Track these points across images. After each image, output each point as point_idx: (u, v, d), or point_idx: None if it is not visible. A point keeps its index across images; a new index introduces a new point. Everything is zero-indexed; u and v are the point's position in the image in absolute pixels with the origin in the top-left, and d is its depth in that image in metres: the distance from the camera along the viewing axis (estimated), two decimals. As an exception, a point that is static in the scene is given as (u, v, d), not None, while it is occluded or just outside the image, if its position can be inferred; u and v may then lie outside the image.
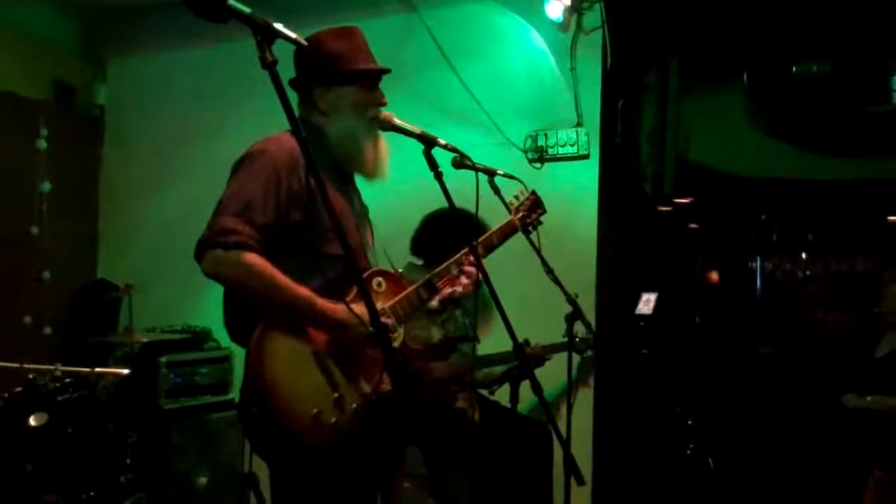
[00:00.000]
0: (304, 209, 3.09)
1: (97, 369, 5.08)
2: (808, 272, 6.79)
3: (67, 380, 5.04)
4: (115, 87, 7.39)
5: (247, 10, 2.11)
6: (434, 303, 3.46)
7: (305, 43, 2.13)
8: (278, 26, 2.11)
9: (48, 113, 6.86)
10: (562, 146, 5.71)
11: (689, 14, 5.64)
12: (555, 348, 4.89)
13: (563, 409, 4.70)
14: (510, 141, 5.82)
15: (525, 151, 5.81)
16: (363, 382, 3.14)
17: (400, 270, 3.41)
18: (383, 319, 3.07)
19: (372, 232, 3.48)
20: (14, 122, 6.62)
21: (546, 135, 5.75)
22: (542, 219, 3.97)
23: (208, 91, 6.49)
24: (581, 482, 3.26)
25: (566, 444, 3.47)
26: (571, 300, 4.35)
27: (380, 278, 3.26)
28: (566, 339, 4.63)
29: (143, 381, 5.54)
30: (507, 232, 3.67)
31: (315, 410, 2.98)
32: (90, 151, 7.32)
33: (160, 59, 7.03)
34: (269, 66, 2.11)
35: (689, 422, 5.56)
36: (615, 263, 5.65)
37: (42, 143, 6.73)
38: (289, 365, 3.00)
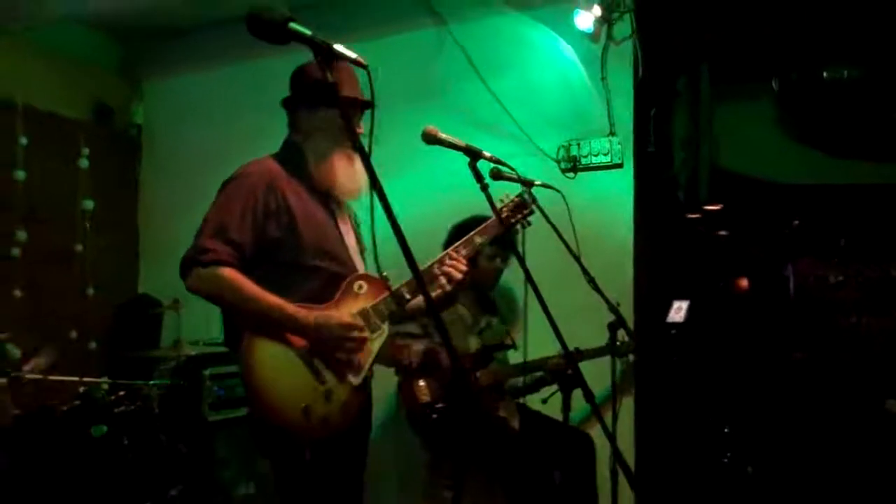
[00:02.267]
0: (281, 226, 3.37)
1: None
2: (840, 277, 6.77)
3: (121, 392, 5.15)
4: (152, 107, 7.49)
5: (307, 31, 2.19)
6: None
7: (365, 63, 2.20)
8: (338, 47, 2.18)
9: (88, 132, 6.99)
10: (595, 155, 5.74)
11: (718, 21, 5.67)
12: (595, 353, 4.92)
13: (607, 417, 4.74)
14: (542, 151, 5.86)
15: (558, 161, 5.84)
16: (351, 376, 3.36)
17: (385, 275, 3.52)
18: (353, 322, 3.33)
19: (361, 242, 3.69)
20: (56, 141, 6.74)
21: (579, 144, 5.78)
22: (575, 227, 4.03)
23: (243, 109, 6.57)
24: (635, 485, 3.31)
25: (615, 451, 3.52)
26: (613, 308, 4.37)
27: (361, 282, 3.47)
28: (607, 344, 4.68)
29: (189, 393, 5.62)
30: (490, 231, 3.70)
31: (303, 405, 3.25)
32: (129, 169, 7.44)
33: (196, 79, 7.12)
34: (330, 86, 2.18)
35: (726, 430, 5.56)
36: (651, 271, 5.68)
37: (84, 162, 6.85)
38: (275, 366, 3.28)
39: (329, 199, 3.55)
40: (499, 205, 3.72)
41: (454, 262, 3.55)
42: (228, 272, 3.28)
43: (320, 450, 3.31)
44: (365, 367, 3.39)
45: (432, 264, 3.53)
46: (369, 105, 3.43)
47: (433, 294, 3.51)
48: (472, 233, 3.70)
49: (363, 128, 3.52)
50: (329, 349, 3.31)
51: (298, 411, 3.25)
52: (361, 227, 3.80)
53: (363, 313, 3.41)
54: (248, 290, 3.27)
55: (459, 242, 3.65)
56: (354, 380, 3.35)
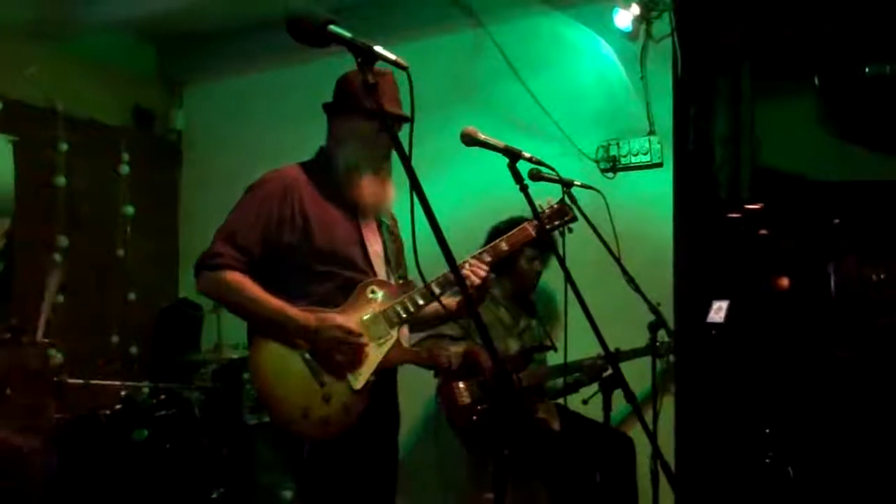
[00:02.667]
0: (296, 232, 3.43)
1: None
2: (882, 276, 6.69)
3: (163, 396, 5.19)
4: (192, 112, 7.55)
5: (347, 34, 2.18)
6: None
7: (406, 65, 2.19)
8: (379, 49, 2.17)
9: (129, 139, 7.06)
10: (634, 155, 5.72)
11: (759, 18, 5.62)
12: (635, 353, 4.89)
13: (647, 418, 4.70)
14: (581, 152, 5.84)
15: (597, 161, 5.82)
16: (352, 378, 3.39)
17: (401, 281, 3.62)
18: (349, 326, 3.36)
19: (387, 250, 3.68)
20: (97, 148, 6.82)
21: (618, 144, 5.76)
22: (615, 227, 4.01)
23: (283, 113, 6.60)
24: (676, 485, 3.29)
25: (656, 451, 3.49)
26: (654, 309, 4.35)
27: (374, 287, 3.50)
28: (647, 344, 4.65)
29: (229, 396, 5.66)
30: (518, 238, 3.69)
31: (303, 405, 3.33)
32: (169, 175, 7.51)
33: (235, 83, 7.18)
34: (371, 87, 2.18)
35: (767, 430, 5.52)
36: (691, 270, 5.64)
37: (124, 168, 6.92)
38: (279, 367, 3.37)
39: (356, 207, 3.57)
40: (538, 211, 3.69)
41: (474, 268, 3.54)
42: (233, 276, 3.38)
43: (323, 450, 3.39)
44: (366, 372, 3.41)
45: (448, 272, 3.50)
46: (408, 120, 3.46)
47: (448, 299, 3.56)
48: (499, 239, 3.69)
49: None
50: (327, 352, 3.36)
51: (298, 412, 3.34)
52: (398, 231, 3.83)
53: (372, 318, 3.44)
54: (251, 293, 3.37)
55: (484, 249, 3.64)
56: (355, 384, 3.39)
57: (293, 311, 3.35)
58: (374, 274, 3.54)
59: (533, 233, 3.67)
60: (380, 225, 3.68)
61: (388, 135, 3.41)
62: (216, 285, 3.42)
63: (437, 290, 3.45)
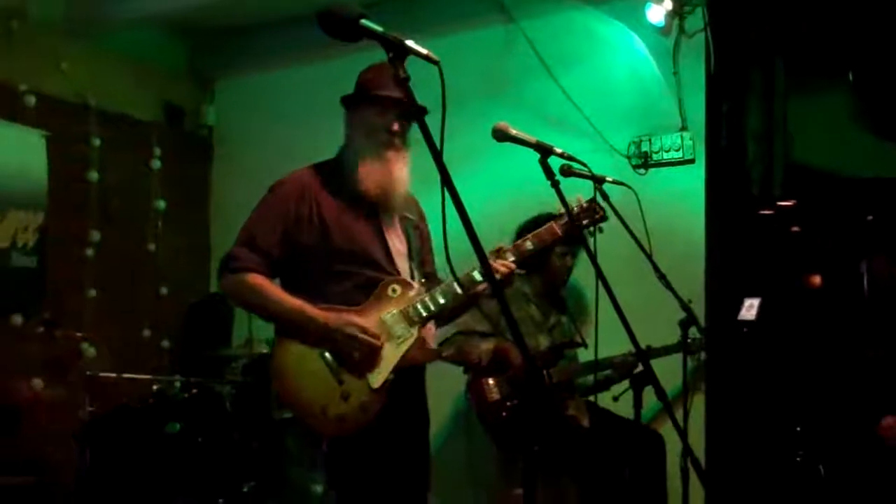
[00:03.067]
0: (313, 233, 3.46)
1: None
2: (916, 274, 6.63)
3: (194, 390, 5.22)
4: (223, 107, 7.57)
5: (379, 28, 2.18)
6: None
7: (437, 59, 2.19)
8: (410, 43, 2.16)
9: (160, 134, 7.09)
10: (666, 151, 5.70)
11: (792, 13, 5.58)
12: (666, 350, 4.86)
13: (678, 415, 4.68)
14: (613, 147, 5.82)
15: (629, 157, 5.80)
16: (371, 377, 3.40)
17: (423, 280, 3.60)
18: (365, 326, 3.36)
19: (411, 247, 3.67)
20: (129, 143, 6.84)
21: (650, 140, 5.74)
22: (646, 223, 3.99)
23: (314, 108, 6.56)
24: (707, 482, 3.27)
25: (687, 448, 3.47)
26: (685, 306, 4.32)
27: (395, 285, 3.49)
28: (678, 342, 4.63)
29: (260, 390, 5.67)
30: (544, 237, 3.63)
31: (322, 403, 3.36)
32: (200, 170, 7.54)
33: (266, 78, 7.18)
34: (402, 82, 2.17)
35: (798, 428, 5.49)
36: (723, 267, 5.61)
37: (156, 163, 6.96)
38: (299, 365, 3.42)
39: (375, 205, 3.56)
40: (563, 209, 3.62)
41: (496, 266, 3.50)
42: (253, 278, 3.44)
43: (343, 446, 3.41)
44: (385, 371, 3.41)
45: (474, 269, 3.45)
46: (408, 106, 3.36)
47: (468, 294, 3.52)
48: (525, 238, 3.65)
49: (398, 127, 3.51)
50: (343, 351, 3.38)
51: (316, 408, 3.37)
52: (425, 224, 3.82)
53: (392, 318, 3.44)
54: (271, 294, 3.44)
55: (508, 248, 3.61)
56: (374, 382, 3.40)
57: (312, 311, 3.37)
58: (397, 272, 3.54)
59: (560, 232, 3.62)
60: (403, 221, 3.68)
61: (402, 120, 3.49)
62: (237, 288, 3.49)
63: (458, 290, 3.43)
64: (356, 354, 3.37)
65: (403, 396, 3.49)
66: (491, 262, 3.43)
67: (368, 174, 3.50)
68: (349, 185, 3.52)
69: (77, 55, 6.46)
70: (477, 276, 3.43)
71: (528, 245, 3.61)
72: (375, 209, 3.56)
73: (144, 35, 7.04)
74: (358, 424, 3.38)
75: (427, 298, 3.45)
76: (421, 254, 3.73)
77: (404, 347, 3.43)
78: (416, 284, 3.53)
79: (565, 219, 3.60)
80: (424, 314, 3.45)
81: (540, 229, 3.66)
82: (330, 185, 3.53)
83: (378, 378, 3.39)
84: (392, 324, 3.42)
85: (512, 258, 3.57)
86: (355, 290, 3.46)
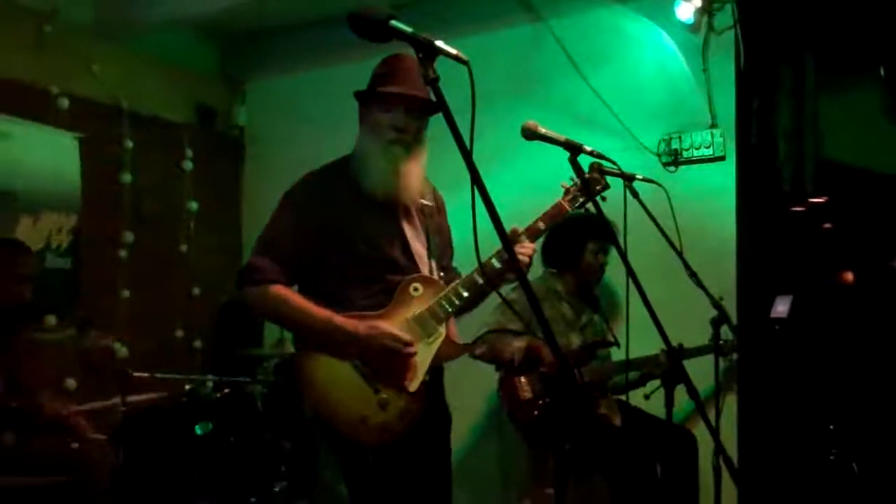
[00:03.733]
0: (332, 238, 3.38)
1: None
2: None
3: (226, 390, 5.25)
4: (254, 108, 7.61)
5: (408, 29, 2.19)
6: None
7: (466, 59, 2.19)
8: (440, 44, 2.17)
9: (192, 135, 7.14)
10: (696, 148, 5.68)
11: (822, 9, 5.55)
12: (699, 351, 4.85)
13: (710, 415, 4.66)
14: (643, 145, 5.81)
15: (658, 155, 5.79)
16: (407, 382, 3.35)
17: (442, 274, 3.57)
18: (398, 334, 3.30)
19: (430, 243, 3.62)
20: (161, 144, 6.90)
21: (680, 137, 5.73)
22: (677, 221, 3.98)
23: (345, 109, 6.57)
24: (739, 481, 3.26)
25: (719, 447, 3.46)
26: (716, 304, 4.31)
27: (417, 284, 3.44)
28: (710, 342, 4.61)
29: (291, 391, 5.71)
30: (554, 215, 3.62)
31: (361, 414, 3.28)
32: (232, 171, 7.60)
33: (297, 79, 7.20)
34: (432, 82, 2.17)
35: (831, 426, 5.46)
36: (754, 265, 5.59)
37: (188, 165, 7.01)
38: (330, 377, 3.33)
39: (393, 204, 3.51)
40: (568, 185, 3.66)
41: (518, 248, 3.49)
42: (276, 289, 3.34)
43: (385, 454, 3.33)
44: (420, 373, 3.36)
45: (491, 259, 3.43)
46: (420, 103, 3.41)
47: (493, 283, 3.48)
48: (536, 220, 3.61)
49: (406, 123, 3.44)
50: (379, 359, 3.31)
51: (357, 421, 3.29)
52: (444, 217, 3.79)
53: (419, 317, 3.39)
54: (296, 305, 3.33)
55: (522, 231, 3.57)
56: (410, 387, 3.34)
57: (340, 320, 3.28)
58: (417, 271, 3.48)
59: (568, 207, 3.62)
60: (420, 216, 3.62)
61: (412, 117, 3.42)
62: (260, 300, 3.37)
63: (479, 280, 3.40)
64: (391, 364, 3.31)
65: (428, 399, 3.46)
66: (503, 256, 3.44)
67: (374, 173, 3.43)
68: (360, 185, 3.46)
69: (109, 57, 6.51)
70: (496, 263, 3.42)
71: (541, 225, 3.60)
72: (391, 208, 3.50)
73: (175, 37, 7.09)
74: (399, 431, 3.33)
75: (451, 294, 3.41)
76: (440, 248, 3.68)
77: (435, 346, 3.39)
78: (438, 281, 3.49)
79: (571, 195, 3.63)
80: (450, 310, 3.41)
81: (548, 208, 3.64)
82: (344, 187, 3.44)
83: (414, 382, 3.34)
84: (420, 324, 3.37)
85: (528, 241, 3.57)
86: (377, 293, 3.40)
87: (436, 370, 3.51)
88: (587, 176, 3.53)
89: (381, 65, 3.52)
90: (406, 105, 3.41)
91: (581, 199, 3.62)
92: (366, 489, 3.37)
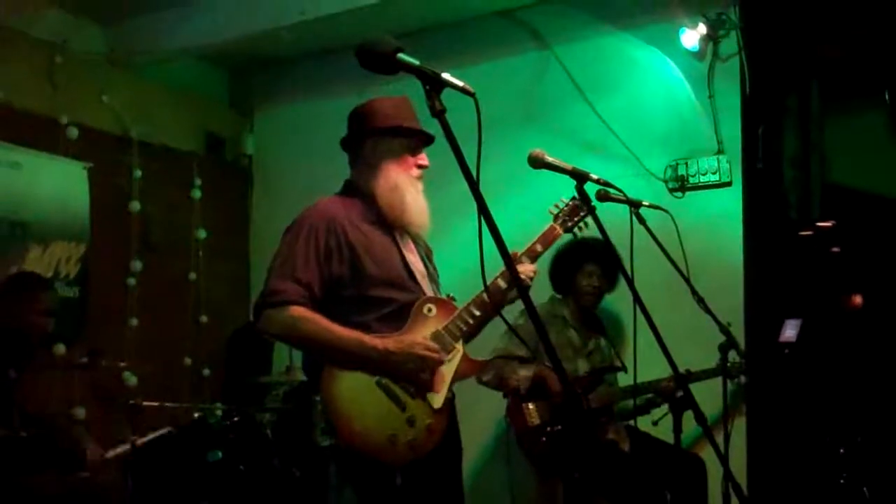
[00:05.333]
0: (344, 262, 3.41)
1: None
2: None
3: (236, 418, 5.25)
4: (262, 137, 7.61)
5: (415, 62, 2.22)
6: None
7: (472, 91, 2.22)
8: (446, 76, 2.20)
9: (200, 164, 7.17)
10: (703, 174, 5.70)
11: (826, 36, 5.58)
12: (707, 374, 4.85)
13: (718, 439, 4.65)
14: (649, 171, 5.83)
15: (665, 181, 5.81)
16: (433, 397, 3.39)
17: (452, 296, 3.60)
18: (427, 343, 3.37)
19: (428, 268, 3.69)
20: (170, 173, 6.93)
21: (686, 164, 5.75)
22: (684, 247, 3.99)
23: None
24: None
25: (728, 473, 3.46)
26: (724, 329, 4.31)
27: (430, 304, 3.49)
28: (718, 365, 4.61)
29: (301, 418, 5.70)
30: (549, 239, 3.72)
31: (389, 433, 3.29)
32: (240, 199, 7.61)
33: (305, 109, 7.21)
34: (439, 114, 2.19)
35: (841, 450, 5.44)
36: (762, 290, 5.59)
37: (196, 193, 7.04)
38: (356, 397, 3.32)
39: (393, 230, 3.58)
40: (555, 210, 3.76)
41: (522, 269, 3.53)
42: (300, 311, 3.33)
43: (410, 473, 3.34)
44: (444, 388, 3.41)
45: (496, 279, 3.49)
46: (432, 139, 3.60)
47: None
48: (533, 242, 3.69)
49: (428, 162, 3.63)
50: (406, 374, 3.34)
51: (384, 439, 3.29)
52: (434, 256, 3.84)
53: (436, 335, 3.43)
54: (323, 326, 3.32)
55: (522, 252, 3.63)
56: (435, 403, 3.38)
57: (369, 339, 3.32)
58: (423, 292, 3.53)
59: (561, 230, 3.73)
60: (415, 244, 3.69)
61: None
62: (284, 322, 3.35)
63: (486, 299, 3.42)
64: (424, 375, 3.35)
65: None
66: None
67: (410, 203, 3.54)
68: (381, 216, 3.53)
69: (118, 87, 6.57)
70: (502, 283, 3.50)
71: (538, 247, 3.68)
72: (394, 234, 3.58)
73: (184, 67, 7.16)
74: (427, 448, 3.35)
75: (464, 313, 3.47)
76: (436, 278, 3.74)
77: (455, 363, 3.44)
78: (447, 300, 3.54)
79: (562, 218, 3.74)
80: (464, 328, 3.47)
81: (543, 231, 3.73)
82: (353, 215, 3.51)
83: (439, 398, 3.38)
84: (438, 342, 3.41)
85: (528, 262, 3.63)
86: (390, 315, 3.44)
87: (449, 399, 3.54)
88: (573, 202, 3.68)
89: (390, 102, 3.64)
90: (427, 143, 3.62)
91: (571, 222, 3.74)
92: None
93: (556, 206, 3.76)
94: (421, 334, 3.41)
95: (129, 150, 6.58)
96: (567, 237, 3.86)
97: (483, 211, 2.17)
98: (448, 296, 3.58)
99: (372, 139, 3.60)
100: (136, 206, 6.53)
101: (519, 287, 2.46)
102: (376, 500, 3.38)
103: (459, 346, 3.47)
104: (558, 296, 5.47)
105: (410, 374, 3.34)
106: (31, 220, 5.93)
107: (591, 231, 3.67)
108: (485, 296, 3.43)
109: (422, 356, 3.33)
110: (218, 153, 7.48)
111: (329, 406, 3.34)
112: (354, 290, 3.44)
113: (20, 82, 5.98)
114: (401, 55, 2.23)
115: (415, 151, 3.60)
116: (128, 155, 6.57)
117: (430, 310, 3.47)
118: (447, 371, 3.43)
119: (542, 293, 5.39)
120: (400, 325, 3.42)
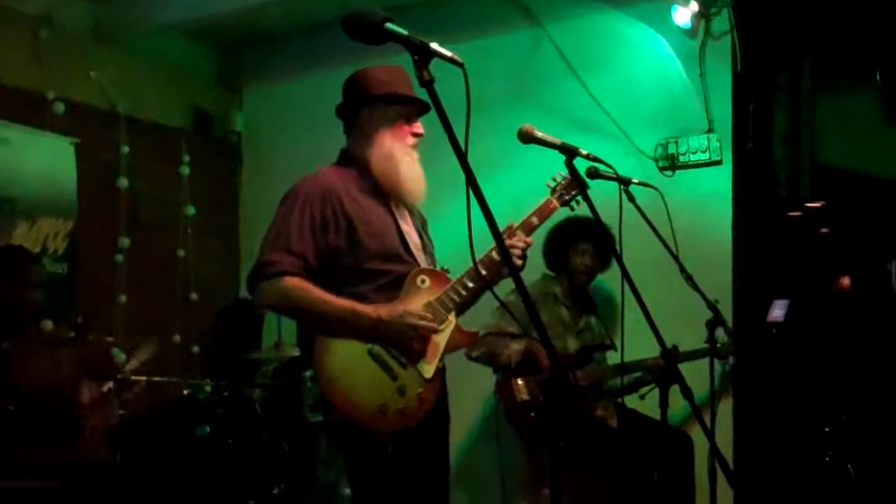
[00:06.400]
0: (340, 233, 3.42)
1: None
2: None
3: (225, 393, 5.25)
4: (251, 113, 7.58)
5: (403, 31, 2.21)
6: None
7: (461, 61, 2.20)
8: (434, 46, 2.18)
9: (189, 140, 7.14)
10: (693, 153, 5.69)
11: (819, 14, 5.57)
12: (695, 354, 4.86)
13: (706, 418, 4.66)
14: (639, 150, 5.82)
15: (655, 160, 5.80)
16: (425, 366, 3.41)
17: (446, 268, 3.59)
18: (419, 311, 3.37)
19: (423, 239, 3.71)
20: (158, 150, 6.90)
21: (677, 142, 5.73)
22: (673, 225, 3.99)
23: (342, 113, 6.63)
24: (735, 483, 3.27)
25: (714, 448, 3.47)
26: (712, 306, 4.31)
27: (423, 276, 3.49)
28: (706, 346, 4.62)
29: (290, 394, 5.71)
30: (545, 212, 3.71)
31: (379, 402, 3.32)
32: (229, 176, 7.58)
33: (294, 85, 7.18)
34: (427, 84, 2.18)
35: (827, 429, 5.48)
36: (750, 269, 5.60)
37: (185, 170, 7.01)
38: (347, 366, 3.34)
39: (389, 200, 3.58)
40: (552, 184, 3.76)
41: (513, 242, 3.53)
42: (294, 281, 3.34)
43: (399, 442, 3.37)
44: (436, 358, 3.43)
45: (491, 251, 3.49)
46: (427, 108, 3.58)
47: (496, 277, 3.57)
48: (529, 215, 3.68)
49: (423, 130, 3.62)
50: (399, 342, 3.36)
51: (375, 409, 3.31)
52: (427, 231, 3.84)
53: (430, 306, 3.43)
54: (316, 295, 3.34)
55: (517, 225, 3.63)
56: (427, 372, 3.40)
57: (362, 308, 3.33)
58: (418, 264, 3.54)
59: (557, 204, 3.73)
60: (411, 214, 3.69)
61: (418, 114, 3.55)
62: (278, 293, 3.36)
63: (483, 272, 3.43)
64: (416, 344, 3.37)
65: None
66: (507, 239, 3.51)
67: (404, 171, 3.54)
68: (377, 185, 3.53)
69: (106, 62, 6.52)
70: (495, 256, 3.49)
71: (534, 220, 3.67)
72: (389, 204, 3.58)
73: (173, 42, 7.09)
74: (417, 417, 3.37)
75: (457, 285, 3.47)
76: (430, 250, 3.75)
77: (446, 334, 3.46)
78: (440, 272, 3.54)
79: (559, 192, 3.74)
80: (457, 300, 3.47)
81: (539, 205, 3.72)
82: (349, 185, 3.51)
83: (430, 367, 3.41)
84: (431, 312, 3.41)
85: (523, 235, 3.62)
86: (385, 286, 3.45)
87: (440, 370, 3.56)
88: (567, 178, 3.66)
89: (386, 70, 3.62)
90: (421, 112, 3.62)
91: (568, 196, 3.73)
92: (377, 485, 3.39)
93: (554, 180, 3.76)
94: (414, 305, 3.41)
95: (117, 126, 6.54)
96: (562, 213, 3.87)
97: (471, 182, 2.16)
98: (442, 268, 3.57)
99: (368, 107, 3.59)
100: (123, 182, 6.49)
101: (509, 265, 2.46)
102: (367, 470, 3.41)
103: (452, 317, 3.48)
104: (551, 273, 5.47)
105: (403, 342, 3.36)
106: (19, 195, 5.91)
107: (586, 209, 3.66)
108: (478, 268, 3.43)
109: (414, 325, 3.33)
110: (206, 129, 7.44)
111: (321, 377, 3.36)
112: (350, 261, 3.44)
113: (6, 57, 5.94)
114: (389, 24, 2.21)
115: (409, 119, 3.59)
116: (115, 131, 6.53)
117: (423, 281, 3.47)
118: (440, 341, 3.44)
119: (535, 271, 5.39)
120: (396, 296, 3.43)
